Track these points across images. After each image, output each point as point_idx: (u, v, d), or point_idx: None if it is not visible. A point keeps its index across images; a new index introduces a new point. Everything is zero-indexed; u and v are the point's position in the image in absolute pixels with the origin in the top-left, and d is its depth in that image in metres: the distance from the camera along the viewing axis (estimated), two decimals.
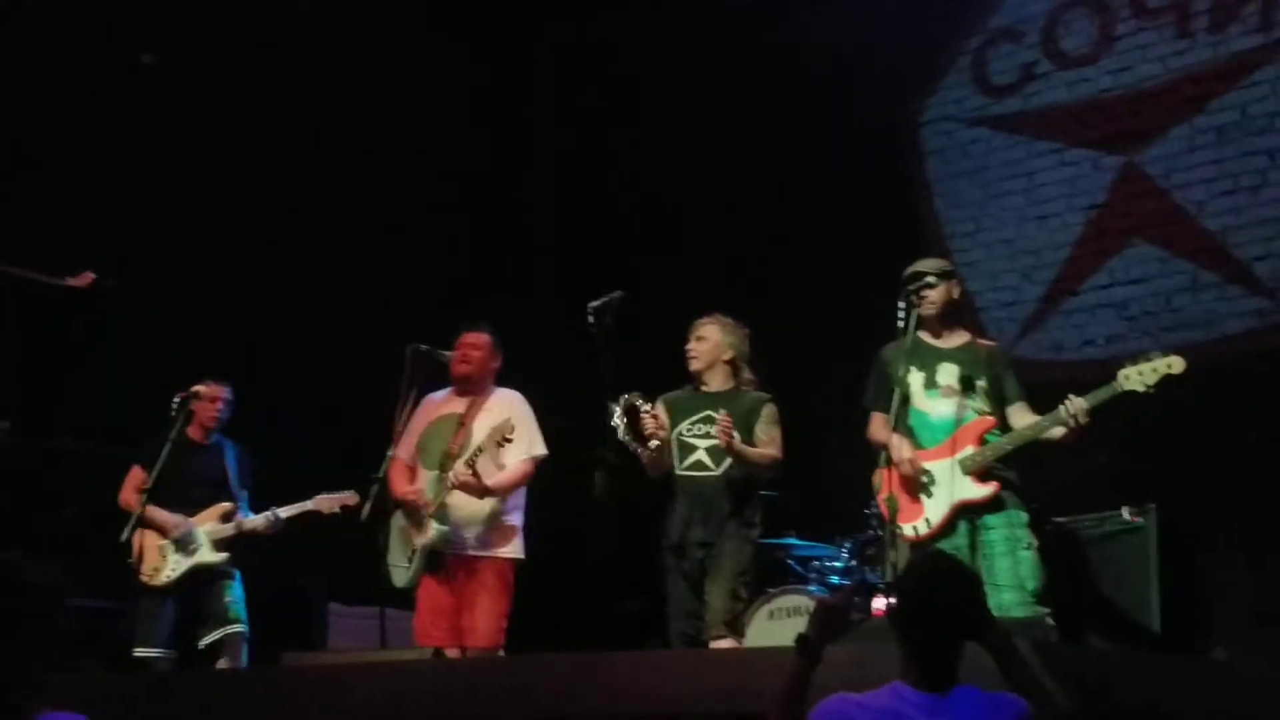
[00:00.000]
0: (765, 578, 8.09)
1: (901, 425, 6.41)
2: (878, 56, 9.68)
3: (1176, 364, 6.00)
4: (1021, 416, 6.30)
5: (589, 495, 6.72)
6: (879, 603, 7.27)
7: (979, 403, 6.33)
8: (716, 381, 6.99)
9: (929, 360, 6.44)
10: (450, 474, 7.02)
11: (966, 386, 6.35)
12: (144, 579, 7.62)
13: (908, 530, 6.36)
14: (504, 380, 7.42)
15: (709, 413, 6.85)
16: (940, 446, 6.34)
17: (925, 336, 6.49)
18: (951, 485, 6.27)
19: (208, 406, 7.91)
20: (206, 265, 9.10)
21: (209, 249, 9.11)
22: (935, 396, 6.40)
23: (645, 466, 6.90)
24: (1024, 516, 6.23)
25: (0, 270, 7.46)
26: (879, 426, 6.43)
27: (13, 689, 3.16)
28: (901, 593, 3.97)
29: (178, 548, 7.67)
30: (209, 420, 7.94)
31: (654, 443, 6.81)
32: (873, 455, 6.34)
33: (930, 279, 6.43)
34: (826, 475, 8.26)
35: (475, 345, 7.31)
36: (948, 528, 6.28)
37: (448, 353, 7.27)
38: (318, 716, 5.73)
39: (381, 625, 7.22)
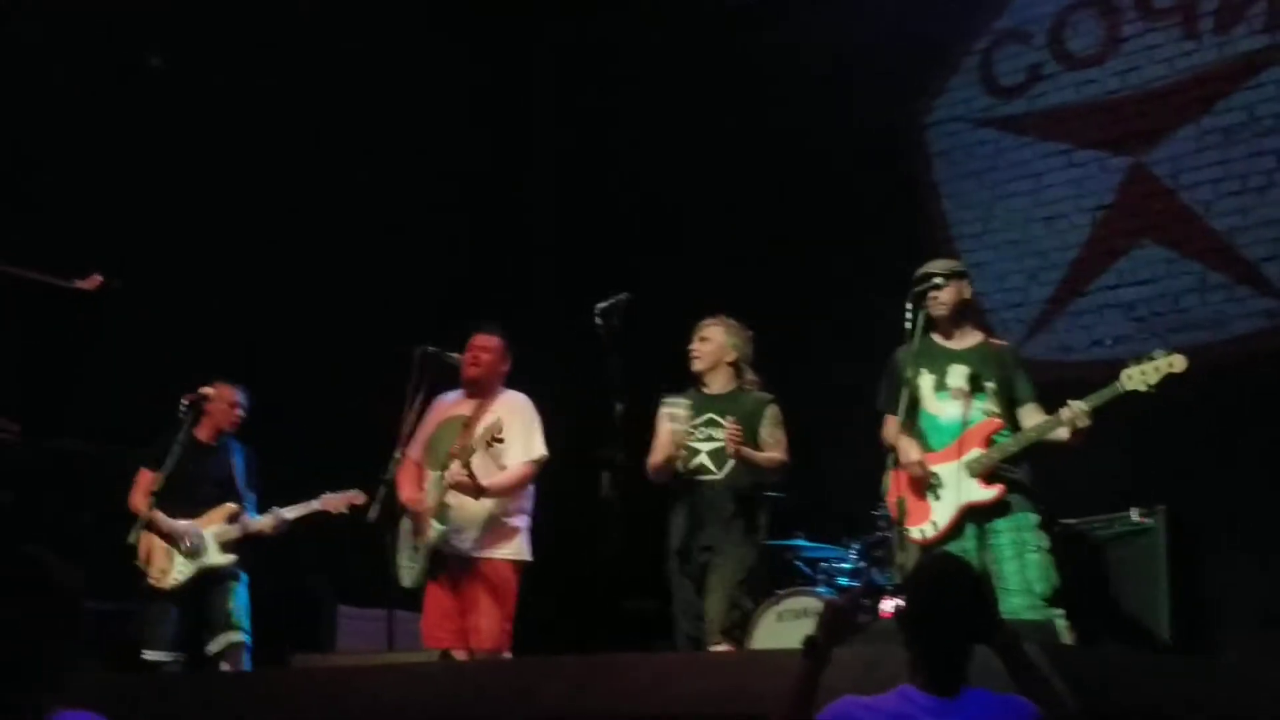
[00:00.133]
0: (773, 579, 8.10)
1: (913, 428, 6.41)
2: (882, 57, 9.67)
3: (1178, 363, 5.99)
4: (1032, 417, 6.29)
5: (596, 496, 6.72)
6: (887, 605, 7.26)
7: (987, 404, 6.33)
8: (718, 383, 7.00)
9: (940, 362, 6.44)
10: (446, 474, 7.03)
11: (975, 388, 6.34)
12: (152, 582, 7.65)
13: (915, 533, 6.37)
14: (509, 381, 7.40)
15: (711, 415, 6.88)
16: (948, 449, 6.34)
17: (937, 338, 6.49)
18: (958, 488, 6.27)
19: (227, 411, 7.93)
20: (209, 266, 9.11)
21: (211, 250, 9.12)
22: (945, 398, 6.40)
23: (650, 472, 6.92)
24: (1033, 519, 6.22)
25: (8, 272, 7.47)
26: (892, 429, 6.42)
27: (35, 687, 3.16)
28: (909, 595, 3.96)
29: (189, 557, 7.68)
30: (230, 424, 7.96)
31: (709, 445, 6.85)
32: (880, 457, 6.34)
33: (938, 279, 6.43)
34: (834, 477, 8.26)
35: (485, 348, 7.29)
36: (955, 530, 6.29)
37: (456, 354, 7.26)
38: (326, 718, 5.74)
39: (389, 627, 7.22)
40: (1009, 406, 6.33)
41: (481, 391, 7.28)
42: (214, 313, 9.03)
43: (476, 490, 6.96)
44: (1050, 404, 6.25)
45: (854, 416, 7.61)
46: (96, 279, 7.68)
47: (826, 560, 8.14)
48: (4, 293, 7.54)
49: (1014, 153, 9.48)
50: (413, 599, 7.21)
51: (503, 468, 7.12)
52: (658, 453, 7.02)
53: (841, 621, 3.90)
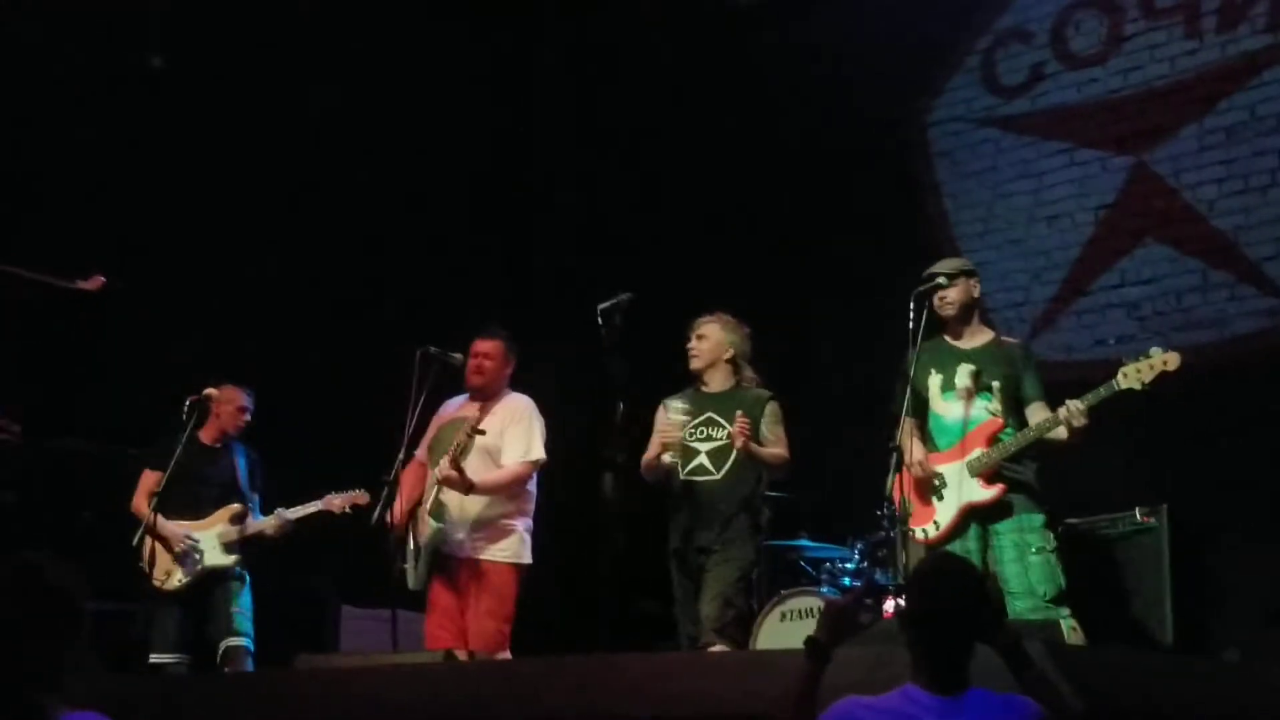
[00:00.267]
0: (777, 580, 8.10)
1: (924, 428, 6.42)
2: (884, 57, 9.66)
3: (1171, 361, 5.99)
4: (1038, 416, 6.29)
5: (598, 497, 6.71)
6: (889, 604, 7.25)
7: (992, 403, 6.33)
8: (717, 380, 6.99)
9: (948, 362, 6.45)
10: (435, 470, 7.04)
11: (980, 387, 6.34)
12: (156, 583, 7.65)
13: (919, 533, 6.39)
14: (513, 382, 7.40)
15: (711, 415, 6.86)
16: (953, 449, 6.36)
17: (947, 337, 6.49)
18: (960, 488, 6.27)
19: (234, 414, 7.95)
20: (209, 266, 9.12)
21: (212, 249, 9.13)
22: (951, 398, 6.41)
23: (642, 470, 6.93)
24: (1037, 520, 6.23)
25: (10, 273, 7.46)
26: (905, 431, 6.43)
27: (36, 688, 3.16)
28: (911, 595, 3.97)
29: (180, 564, 7.67)
30: (235, 427, 7.97)
31: (668, 456, 6.83)
32: (884, 456, 6.32)
33: (940, 280, 6.43)
34: (837, 477, 8.24)
35: (488, 355, 7.28)
36: (957, 530, 6.31)
37: (457, 355, 7.25)
38: (329, 719, 5.74)
39: (393, 628, 7.22)
40: (1015, 405, 6.32)
41: (486, 396, 7.28)
42: (215, 313, 9.04)
43: (466, 486, 6.95)
44: (1054, 403, 6.26)
45: (856, 416, 7.64)
46: (99, 279, 7.67)
47: (830, 560, 8.14)
48: (6, 293, 7.54)
49: (1016, 152, 9.48)
50: (416, 600, 7.21)
51: (501, 468, 7.13)
52: (650, 450, 7.00)
53: (843, 621, 3.90)
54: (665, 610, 7.00)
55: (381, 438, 7.22)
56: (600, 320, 6.75)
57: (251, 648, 7.72)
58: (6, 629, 3.18)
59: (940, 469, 6.37)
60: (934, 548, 6.25)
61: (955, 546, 6.27)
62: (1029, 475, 6.27)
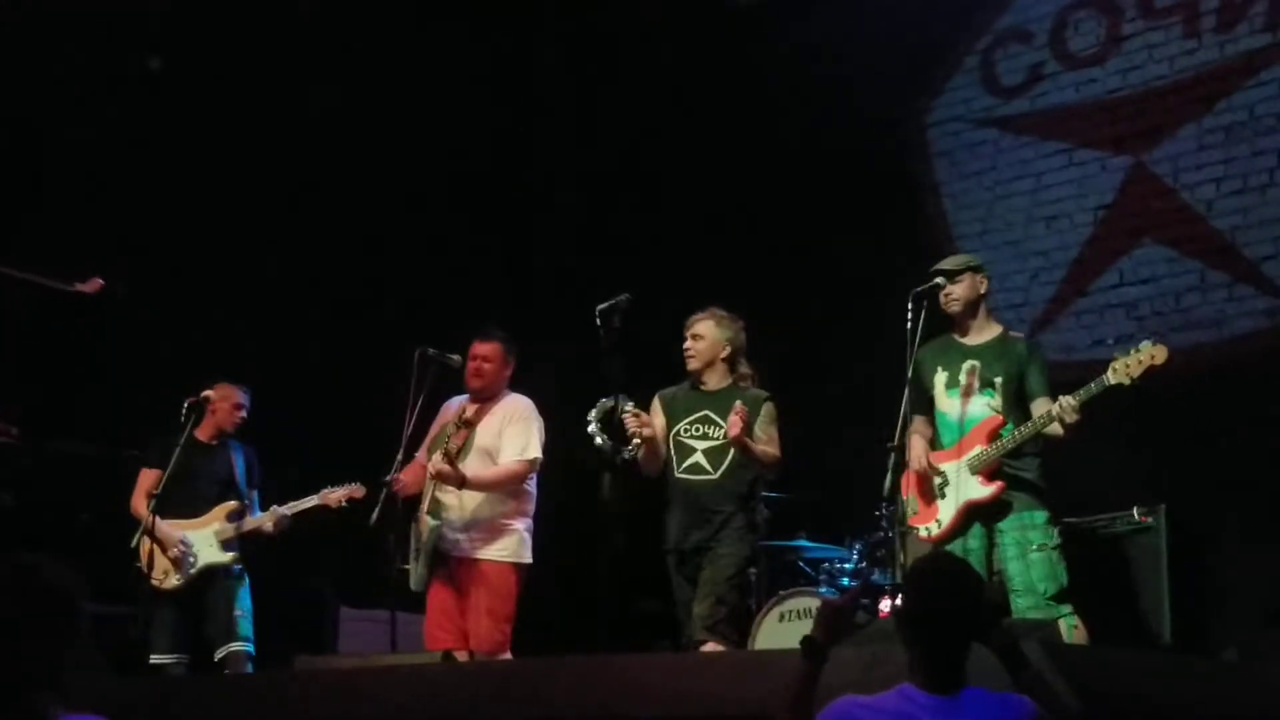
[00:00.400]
0: (776, 580, 8.11)
1: (933, 425, 6.43)
2: (883, 57, 9.67)
3: (1159, 355, 5.96)
4: (1040, 412, 6.27)
5: (596, 498, 6.71)
6: (885, 604, 7.26)
7: (994, 400, 6.32)
8: (715, 379, 6.93)
9: (954, 359, 6.45)
10: (430, 465, 7.04)
11: (983, 384, 6.34)
12: (155, 583, 7.66)
13: (922, 531, 6.40)
14: (513, 383, 7.40)
15: (707, 413, 6.82)
16: (955, 446, 6.35)
17: (955, 335, 6.50)
18: (961, 485, 6.28)
19: (230, 412, 7.96)
20: (209, 267, 9.14)
21: (211, 250, 9.15)
22: (954, 395, 6.41)
23: (638, 465, 6.87)
24: (1039, 517, 6.22)
25: (9, 276, 7.47)
26: (913, 429, 6.46)
27: (34, 690, 3.16)
28: (907, 594, 3.97)
29: (175, 566, 7.67)
30: (231, 425, 7.98)
31: (635, 443, 6.76)
32: (883, 456, 6.32)
33: (938, 280, 6.43)
34: (836, 477, 8.25)
35: (487, 358, 7.28)
36: (959, 529, 6.30)
37: (456, 356, 7.26)
38: None
39: (392, 629, 7.24)
40: (1019, 402, 6.31)
41: (486, 398, 7.28)
42: (215, 314, 9.06)
43: (459, 480, 6.96)
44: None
45: (855, 416, 7.64)
46: (97, 282, 7.68)
47: (829, 561, 8.15)
48: (4, 296, 7.55)
49: (1015, 152, 9.48)
50: (414, 601, 7.21)
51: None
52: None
53: (839, 621, 3.90)
54: (665, 610, 6.99)
55: (381, 438, 7.24)
56: (599, 321, 6.73)
57: (252, 651, 7.73)
58: (4, 629, 3.17)
59: (942, 467, 6.37)
60: (938, 546, 6.24)
61: (957, 545, 6.26)
62: (1031, 472, 6.26)
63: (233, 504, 7.87)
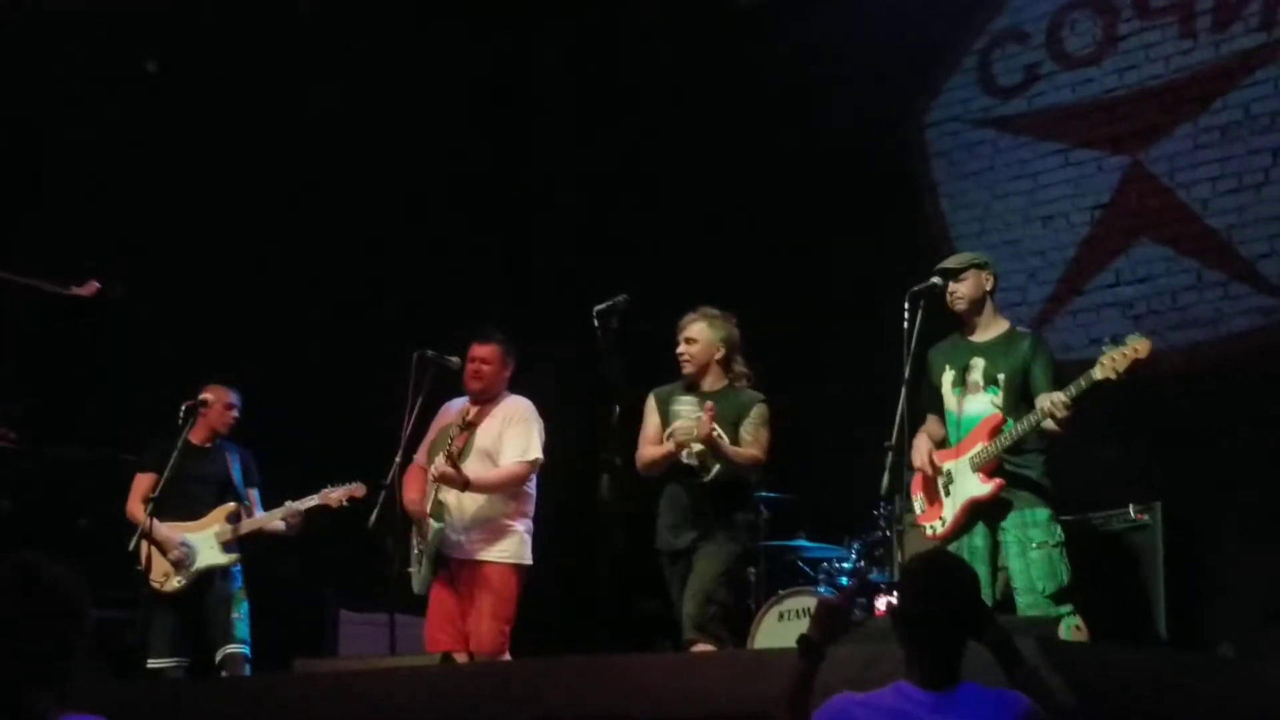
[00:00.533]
0: (775, 580, 8.13)
1: (943, 425, 6.46)
2: (881, 57, 9.68)
3: (1142, 348, 5.98)
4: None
5: (595, 499, 6.72)
6: (882, 602, 7.28)
7: (998, 397, 6.34)
8: (711, 380, 6.88)
9: (962, 357, 6.48)
10: (432, 467, 7.04)
11: (989, 381, 6.36)
12: (155, 586, 7.67)
13: (928, 529, 6.42)
14: (513, 384, 7.39)
15: (701, 415, 6.74)
16: (960, 444, 6.37)
17: (963, 332, 6.51)
18: (964, 483, 6.30)
19: (222, 413, 7.95)
20: (207, 269, 9.13)
21: (210, 253, 9.15)
22: (960, 394, 6.43)
23: (641, 466, 6.87)
24: (1040, 515, 6.23)
25: (5, 280, 7.48)
26: (928, 427, 6.50)
27: (35, 690, 3.15)
28: (903, 591, 3.99)
29: (176, 567, 7.68)
30: (224, 426, 7.97)
31: (697, 446, 6.72)
32: (882, 455, 6.34)
33: (935, 279, 6.45)
34: (834, 476, 8.26)
35: (485, 360, 7.26)
36: (963, 527, 6.32)
37: (455, 358, 7.26)
38: None
39: (391, 631, 7.24)
40: (1023, 397, 6.31)
41: (485, 400, 7.28)
42: (214, 315, 9.05)
43: (462, 482, 6.96)
44: None
45: (854, 416, 7.66)
46: (94, 285, 7.68)
47: (827, 560, 8.16)
48: (1, 299, 7.55)
49: (1012, 152, 9.48)
50: (414, 603, 7.22)
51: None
52: (648, 448, 6.90)
53: (836, 619, 3.92)
54: (665, 610, 7.00)
55: (381, 439, 7.24)
56: (597, 322, 6.73)
57: (250, 654, 7.72)
58: (5, 629, 3.17)
59: (947, 465, 6.39)
60: (944, 544, 6.27)
61: (962, 543, 6.29)
62: (1034, 470, 6.27)
63: (231, 506, 7.87)
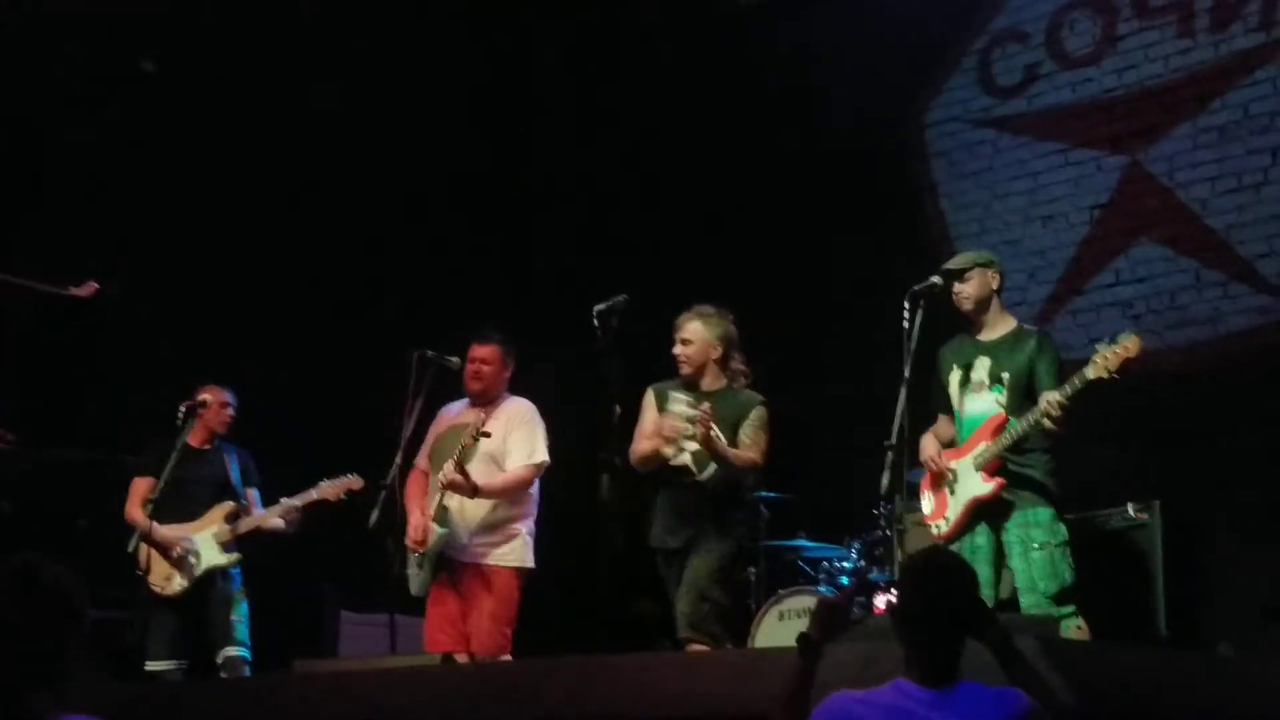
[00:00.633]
0: (775, 579, 8.14)
1: (954, 424, 6.47)
2: (881, 57, 9.69)
3: (1132, 346, 5.98)
4: None
5: (595, 499, 6.72)
6: (881, 601, 7.29)
7: (1002, 396, 6.34)
8: (709, 379, 6.84)
9: (968, 356, 6.48)
10: (440, 475, 7.02)
11: (994, 380, 6.37)
12: (155, 589, 7.66)
13: (933, 529, 6.42)
14: (513, 385, 7.39)
15: (699, 414, 6.68)
16: (965, 443, 6.38)
17: (970, 332, 6.52)
18: (967, 483, 6.32)
19: (219, 412, 7.93)
20: (206, 270, 9.14)
21: (209, 253, 9.15)
22: (967, 393, 6.44)
23: (635, 461, 6.83)
24: (1042, 515, 6.23)
25: (3, 281, 7.47)
26: (938, 428, 6.52)
27: (32, 690, 3.16)
28: (902, 589, 4.00)
29: (177, 567, 7.67)
30: (221, 425, 7.96)
31: (693, 446, 6.70)
32: (882, 454, 6.34)
33: (935, 280, 6.45)
34: (835, 476, 8.27)
35: (485, 360, 7.25)
36: (966, 526, 6.33)
37: (454, 359, 7.24)
38: None
39: (391, 632, 7.24)
40: (1028, 395, 6.29)
41: (485, 400, 7.27)
42: (213, 317, 9.05)
43: (471, 489, 6.94)
44: None
45: (854, 416, 7.66)
46: (92, 286, 7.66)
47: (828, 560, 8.17)
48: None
49: (1012, 152, 9.49)
50: (414, 604, 7.22)
51: (504, 473, 7.13)
52: (643, 441, 6.86)
53: (835, 618, 3.93)
54: (665, 610, 7.00)
55: (381, 439, 7.23)
56: (596, 322, 6.71)
57: (249, 656, 7.71)
58: (4, 629, 3.17)
59: (953, 464, 6.40)
60: (948, 543, 6.27)
61: (966, 542, 6.29)
62: (1037, 469, 6.27)
63: (230, 505, 7.85)
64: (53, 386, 8.75)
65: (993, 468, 6.25)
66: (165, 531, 7.62)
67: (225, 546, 7.78)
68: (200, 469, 7.88)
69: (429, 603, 7.12)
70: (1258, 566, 7.79)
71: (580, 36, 11.40)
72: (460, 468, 6.90)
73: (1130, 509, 7.60)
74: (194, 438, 7.85)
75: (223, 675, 7.59)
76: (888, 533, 7.35)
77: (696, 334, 6.84)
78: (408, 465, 7.21)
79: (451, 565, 7.09)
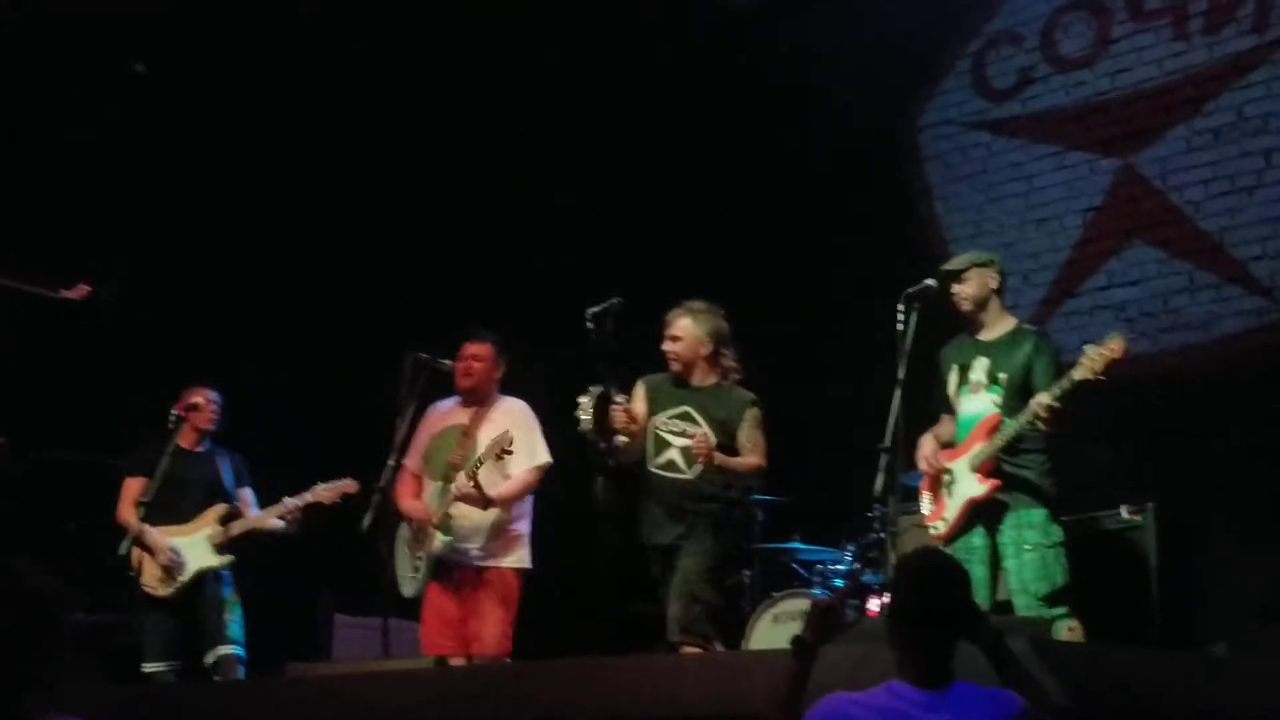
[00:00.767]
0: (770, 582, 8.15)
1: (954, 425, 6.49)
2: (875, 60, 9.67)
3: (1116, 347, 5.99)
4: None
5: (590, 500, 6.73)
6: (875, 603, 7.31)
7: (999, 397, 6.36)
8: (699, 375, 6.84)
9: (967, 356, 6.50)
10: (453, 486, 7.00)
11: (991, 380, 6.39)
12: (148, 590, 7.60)
13: (931, 530, 6.43)
14: (504, 386, 7.40)
15: (689, 409, 6.74)
16: (963, 444, 6.40)
17: (971, 332, 6.55)
18: (964, 484, 6.34)
19: (204, 409, 7.89)
20: (202, 270, 9.15)
21: (205, 254, 9.16)
22: (966, 393, 6.46)
23: (615, 453, 6.81)
24: (1035, 516, 6.24)
25: None
26: (939, 428, 6.54)
27: (22, 695, 3.16)
28: (894, 591, 4.02)
29: (166, 573, 7.63)
30: (208, 425, 7.90)
31: (621, 439, 6.71)
32: (877, 457, 6.37)
33: (929, 283, 6.47)
34: (829, 479, 8.28)
35: (478, 357, 7.26)
36: (963, 527, 6.35)
37: (448, 361, 7.25)
38: None
39: (385, 635, 7.25)
40: (1025, 396, 6.28)
41: (477, 399, 7.27)
42: (211, 317, 9.05)
43: (484, 502, 6.93)
44: None
45: (849, 418, 7.67)
46: (84, 288, 7.62)
47: (822, 563, 8.17)
48: None
49: (1006, 155, 9.50)
50: (408, 607, 7.22)
51: (507, 476, 7.10)
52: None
53: (829, 620, 3.93)
54: (662, 611, 7.02)
55: (380, 440, 7.24)
56: (591, 324, 6.74)
57: (243, 656, 7.67)
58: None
59: (950, 465, 6.41)
60: (946, 544, 6.30)
61: (962, 543, 6.31)
62: (1031, 470, 6.28)
63: (223, 507, 7.79)
64: (43, 389, 8.73)
65: (987, 469, 6.27)
66: (154, 537, 7.57)
67: (218, 548, 7.73)
68: (192, 470, 7.83)
69: (426, 606, 7.09)
70: (1252, 568, 7.79)
71: (580, 36, 11.41)
72: (475, 481, 6.88)
73: (1125, 511, 7.60)
74: (185, 440, 7.82)
75: (215, 675, 7.55)
76: (882, 535, 7.37)
77: (686, 330, 6.83)
78: (399, 471, 7.21)
79: (451, 569, 7.06)
